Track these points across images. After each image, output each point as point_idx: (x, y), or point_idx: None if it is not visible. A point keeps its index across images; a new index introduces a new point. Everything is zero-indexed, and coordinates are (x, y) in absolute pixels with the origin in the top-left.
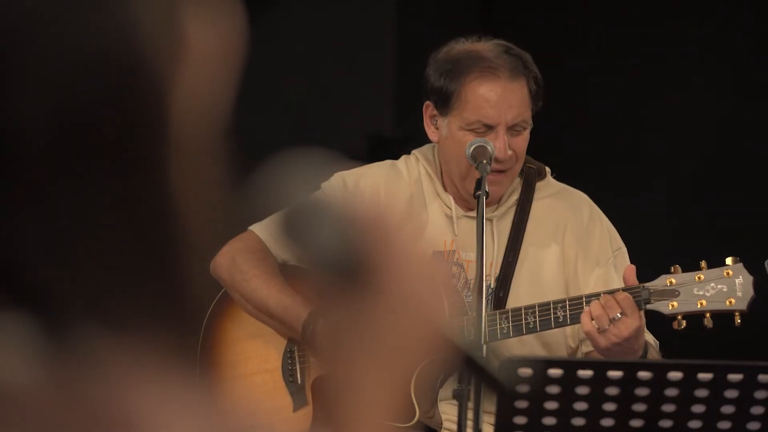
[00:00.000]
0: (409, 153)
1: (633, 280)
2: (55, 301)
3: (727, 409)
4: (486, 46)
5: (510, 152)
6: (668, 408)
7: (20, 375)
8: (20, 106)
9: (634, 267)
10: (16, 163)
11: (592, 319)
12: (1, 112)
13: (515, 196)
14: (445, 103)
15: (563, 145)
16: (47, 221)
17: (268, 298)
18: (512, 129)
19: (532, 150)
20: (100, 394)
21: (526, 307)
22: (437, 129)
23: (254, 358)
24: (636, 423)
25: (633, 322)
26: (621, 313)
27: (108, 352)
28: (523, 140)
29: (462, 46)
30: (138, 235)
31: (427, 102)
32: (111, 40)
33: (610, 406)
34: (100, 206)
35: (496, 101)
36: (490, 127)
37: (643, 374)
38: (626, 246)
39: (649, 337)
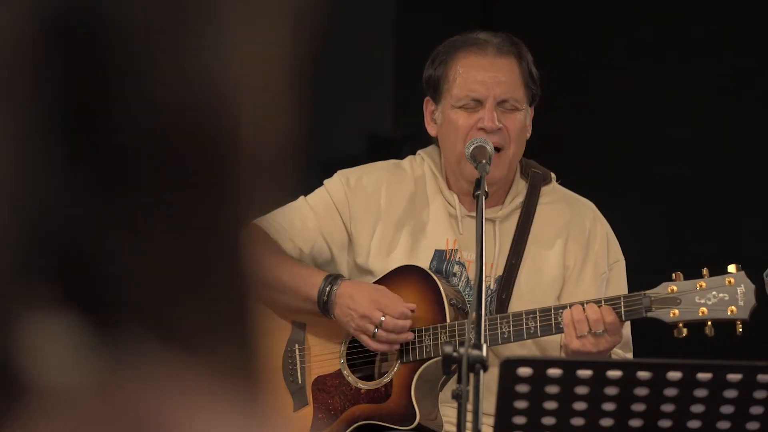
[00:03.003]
0: (408, 153)
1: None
2: (110, 306)
3: (727, 409)
4: (476, 32)
5: (500, 125)
6: (667, 408)
7: (67, 376)
8: (127, 125)
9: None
10: (103, 169)
11: (571, 314)
12: (110, 126)
13: (520, 199)
14: (436, 88)
15: (563, 146)
16: (112, 227)
17: (279, 271)
18: (503, 106)
19: (532, 150)
20: (145, 404)
21: (527, 312)
22: (435, 122)
23: (258, 359)
24: (635, 423)
25: (614, 339)
26: (604, 331)
27: (159, 363)
28: (516, 120)
29: (455, 37)
30: (197, 251)
31: (426, 98)
32: (201, 70)
33: (609, 406)
34: (166, 219)
35: (483, 75)
36: (479, 102)
37: (643, 374)
38: (630, 250)
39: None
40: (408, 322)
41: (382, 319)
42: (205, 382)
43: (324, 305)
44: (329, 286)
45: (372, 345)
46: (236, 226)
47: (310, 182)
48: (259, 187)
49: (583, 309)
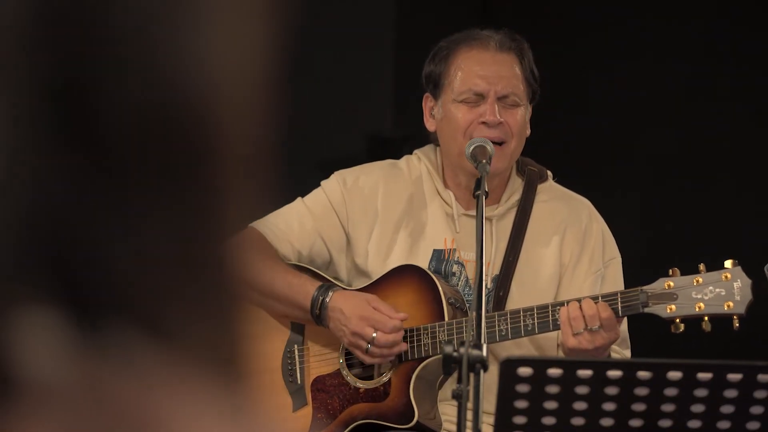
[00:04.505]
0: (408, 153)
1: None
2: (93, 299)
3: (727, 409)
4: (477, 29)
5: (501, 120)
6: (668, 408)
7: (55, 373)
8: (113, 111)
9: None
10: (90, 166)
11: (567, 312)
12: (100, 113)
13: (516, 197)
14: (437, 84)
15: (559, 142)
16: (99, 224)
17: (273, 279)
18: (504, 101)
19: (532, 149)
20: (131, 396)
21: (525, 309)
22: (434, 118)
23: (254, 358)
24: (635, 423)
25: (610, 336)
26: (600, 326)
27: (143, 356)
28: (517, 115)
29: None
30: (185, 246)
31: (426, 94)
32: (185, 64)
33: (609, 406)
34: (152, 214)
35: (485, 70)
36: (480, 96)
37: (643, 374)
38: (622, 245)
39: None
40: (400, 335)
41: (374, 335)
42: (193, 379)
43: (318, 318)
44: (321, 297)
45: (366, 360)
46: (222, 222)
47: (309, 182)
48: (242, 183)
49: (580, 306)
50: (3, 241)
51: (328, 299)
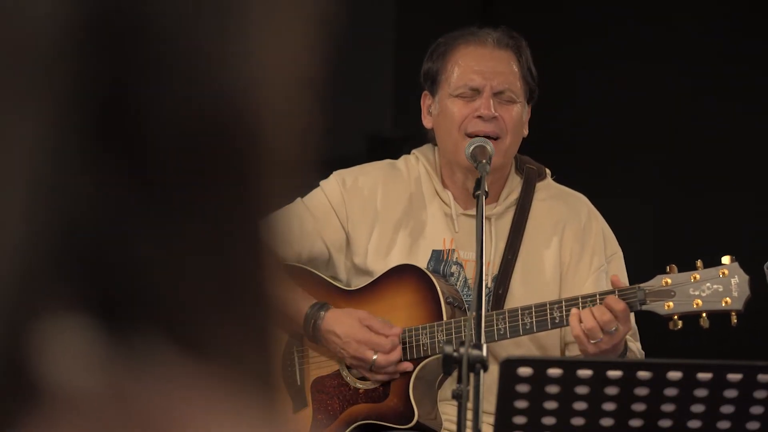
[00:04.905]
0: (408, 153)
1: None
2: (124, 307)
3: (727, 409)
4: (475, 27)
5: (496, 114)
6: (668, 408)
7: (80, 378)
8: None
9: (617, 277)
10: (128, 171)
11: (581, 322)
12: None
13: (515, 195)
14: (434, 80)
15: (560, 142)
16: (129, 230)
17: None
18: (500, 97)
19: (532, 149)
20: (158, 407)
21: (523, 308)
22: (431, 115)
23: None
24: (635, 423)
25: (625, 329)
26: (617, 328)
27: (173, 366)
28: (513, 112)
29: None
30: (221, 256)
31: (424, 92)
32: (224, 68)
33: (609, 406)
34: (188, 223)
35: (481, 65)
36: (476, 91)
37: (643, 374)
38: (622, 244)
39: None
40: (398, 353)
41: (374, 358)
42: (222, 389)
43: (312, 337)
44: (313, 319)
45: (372, 377)
46: (259, 231)
47: (309, 182)
48: (283, 191)
49: (592, 315)
50: (37, 247)
51: (320, 321)
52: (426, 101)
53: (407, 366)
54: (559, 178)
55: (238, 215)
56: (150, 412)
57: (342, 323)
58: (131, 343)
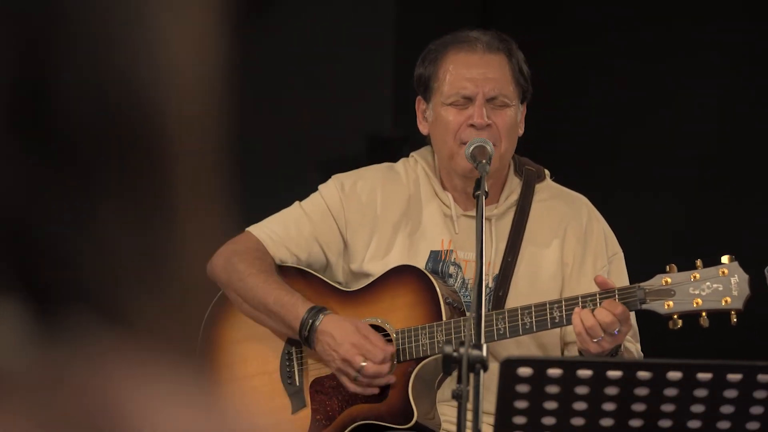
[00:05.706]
0: (407, 153)
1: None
2: (51, 289)
3: (727, 409)
4: (466, 30)
5: (489, 121)
6: (667, 408)
7: (11, 360)
8: (66, 106)
9: (603, 278)
10: (49, 155)
11: (582, 322)
12: (54, 109)
13: (514, 197)
14: (427, 87)
15: (560, 142)
16: (57, 211)
17: (265, 296)
18: (492, 102)
19: (531, 149)
20: (91, 386)
21: (523, 308)
22: (426, 121)
23: (252, 360)
24: (635, 423)
25: (626, 329)
26: (619, 329)
27: (103, 346)
28: (506, 116)
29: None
30: (141, 236)
31: (418, 97)
32: (135, 55)
33: (609, 406)
34: (108, 204)
35: (472, 72)
36: (468, 99)
37: (643, 374)
38: (623, 244)
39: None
40: (388, 366)
41: (363, 364)
42: (152, 365)
43: (306, 340)
44: (310, 320)
45: (351, 387)
46: (178, 212)
47: (309, 182)
48: (197, 176)
49: (593, 314)
50: None
51: (317, 323)
52: (420, 106)
53: (391, 378)
54: (559, 178)
55: (155, 198)
56: (83, 390)
57: (340, 327)
58: (61, 324)
